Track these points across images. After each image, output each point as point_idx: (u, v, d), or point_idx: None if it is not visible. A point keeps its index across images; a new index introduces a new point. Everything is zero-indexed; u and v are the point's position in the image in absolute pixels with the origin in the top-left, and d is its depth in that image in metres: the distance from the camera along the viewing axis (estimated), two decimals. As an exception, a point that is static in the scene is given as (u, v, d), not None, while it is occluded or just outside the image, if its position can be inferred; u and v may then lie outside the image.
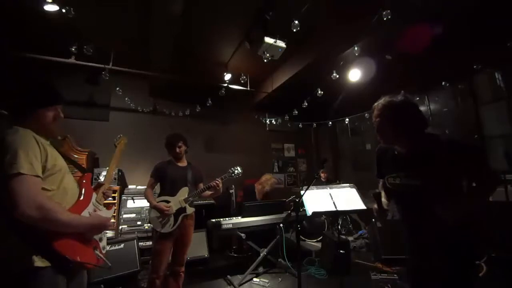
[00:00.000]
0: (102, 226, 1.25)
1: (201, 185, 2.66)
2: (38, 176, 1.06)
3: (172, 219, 2.38)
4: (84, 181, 1.33)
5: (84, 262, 1.11)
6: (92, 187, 1.40)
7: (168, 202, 2.42)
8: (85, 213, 1.23)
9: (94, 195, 1.35)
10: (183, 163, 2.65)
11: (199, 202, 4.35)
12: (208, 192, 2.57)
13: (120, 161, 1.77)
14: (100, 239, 1.31)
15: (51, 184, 1.13)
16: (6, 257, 1.01)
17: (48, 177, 1.12)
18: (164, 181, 2.52)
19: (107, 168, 1.62)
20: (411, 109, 1.37)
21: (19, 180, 1.00)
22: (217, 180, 2.50)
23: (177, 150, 2.58)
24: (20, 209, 0.97)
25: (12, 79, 3.85)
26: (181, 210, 2.44)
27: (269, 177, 4.50)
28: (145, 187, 2.57)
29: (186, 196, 2.48)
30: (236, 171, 2.63)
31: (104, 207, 1.41)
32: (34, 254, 1.00)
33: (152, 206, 2.38)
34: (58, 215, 1.06)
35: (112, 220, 3.85)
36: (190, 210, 2.50)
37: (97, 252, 1.23)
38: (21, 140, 1.06)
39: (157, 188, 2.61)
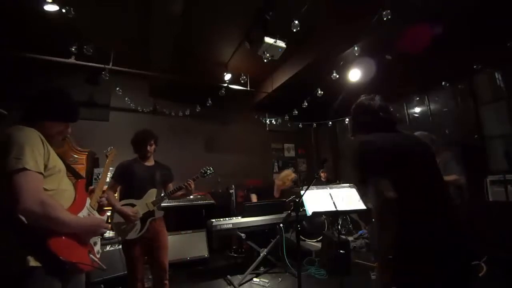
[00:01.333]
0: (98, 228, 1.25)
1: (171, 186, 2.45)
2: (41, 174, 1.07)
3: (138, 224, 2.17)
4: (78, 186, 1.33)
5: (79, 263, 1.11)
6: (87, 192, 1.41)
7: (133, 205, 2.19)
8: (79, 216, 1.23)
9: (88, 200, 1.36)
10: (150, 162, 2.41)
11: (199, 202, 4.36)
12: (178, 193, 2.37)
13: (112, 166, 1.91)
14: (95, 243, 1.32)
15: (50, 184, 1.13)
16: (1, 258, 1.01)
17: (48, 177, 1.13)
18: (129, 182, 2.27)
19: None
20: (359, 110, 1.40)
21: (24, 175, 1.00)
22: (189, 181, 2.33)
23: (148, 148, 2.34)
24: (23, 204, 0.97)
25: (12, 79, 3.87)
26: (149, 214, 2.22)
27: (289, 172, 4.37)
28: None
29: (154, 198, 2.27)
30: (208, 171, 2.55)
31: (98, 213, 1.42)
32: (29, 254, 0.99)
33: (116, 211, 2.14)
34: (59, 213, 1.06)
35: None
36: (159, 213, 2.29)
37: (91, 255, 1.23)
38: (27, 137, 1.08)
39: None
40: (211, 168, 2.57)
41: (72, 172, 1.43)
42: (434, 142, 2.54)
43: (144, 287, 2.26)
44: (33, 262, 0.99)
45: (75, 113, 1.31)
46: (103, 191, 1.58)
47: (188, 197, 2.73)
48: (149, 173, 2.33)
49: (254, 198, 4.36)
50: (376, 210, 1.18)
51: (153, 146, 2.40)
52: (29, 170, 1.02)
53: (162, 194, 2.35)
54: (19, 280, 0.98)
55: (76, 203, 1.24)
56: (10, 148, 1.02)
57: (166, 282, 2.24)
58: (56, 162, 1.19)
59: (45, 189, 1.10)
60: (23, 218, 0.99)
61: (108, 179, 4.10)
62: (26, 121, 1.17)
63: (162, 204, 2.37)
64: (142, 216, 2.19)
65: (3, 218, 1.01)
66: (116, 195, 3.76)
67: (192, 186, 2.35)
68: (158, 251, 2.24)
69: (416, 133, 2.52)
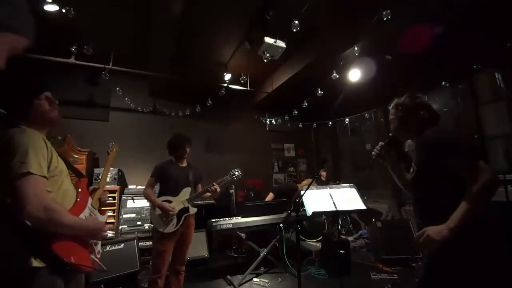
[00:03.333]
0: (99, 230, 1.25)
1: (200, 186, 2.71)
2: (44, 177, 1.07)
3: (175, 219, 2.40)
4: (80, 185, 1.33)
5: (80, 264, 1.12)
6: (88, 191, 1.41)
7: (170, 202, 2.42)
8: (81, 217, 1.23)
9: (90, 199, 1.36)
10: (184, 164, 2.67)
11: (199, 202, 4.36)
12: (208, 194, 2.61)
13: (113, 165, 1.86)
14: (96, 243, 1.32)
15: (52, 186, 1.13)
16: (4, 258, 1.01)
17: (51, 178, 1.13)
18: (166, 181, 2.51)
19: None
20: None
21: (28, 179, 1.00)
22: (215, 185, 2.54)
23: (186, 151, 2.62)
24: (27, 209, 0.97)
25: (11, 79, 3.86)
26: (184, 210, 2.46)
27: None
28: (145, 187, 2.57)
29: (189, 196, 2.51)
30: (236, 173, 2.69)
31: (99, 212, 1.42)
32: (32, 255, 1.00)
33: (157, 205, 2.37)
34: (62, 217, 1.06)
35: (112, 220, 3.85)
36: (193, 210, 2.53)
37: (92, 256, 1.24)
38: (30, 139, 1.07)
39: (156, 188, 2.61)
40: (239, 170, 2.71)
41: (74, 171, 1.43)
42: None
43: (163, 285, 2.35)
44: (36, 263, 0.99)
45: (39, 82, 1.27)
46: (104, 190, 1.58)
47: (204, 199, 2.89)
48: (184, 173, 2.59)
49: (270, 196, 4.38)
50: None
51: (189, 149, 2.66)
52: (34, 174, 1.01)
53: (195, 193, 2.57)
54: (22, 279, 0.99)
55: (78, 203, 1.24)
56: (14, 151, 1.01)
57: (183, 272, 2.53)
58: (58, 163, 1.19)
59: (48, 191, 1.09)
60: (28, 222, 0.99)
61: (108, 179, 4.10)
62: (18, 119, 1.15)
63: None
64: (178, 212, 2.41)
65: (7, 219, 1.01)
66: (113, 195, 3.78)
67: (218, 190, 2.56)
68: (185, 246, 2.51)
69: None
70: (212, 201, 4.49)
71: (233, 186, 5.17)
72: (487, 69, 3.81)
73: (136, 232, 3.78)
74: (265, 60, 3.48)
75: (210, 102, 4.71)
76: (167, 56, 3.93)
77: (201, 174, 2.77)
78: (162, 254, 2.33)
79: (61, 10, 2.59)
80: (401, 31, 3.39)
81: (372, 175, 5.63)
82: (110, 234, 3.64)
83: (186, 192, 2.51)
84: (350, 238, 4.72)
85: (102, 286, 2.75)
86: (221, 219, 3.24)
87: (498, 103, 3.79)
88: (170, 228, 2.36)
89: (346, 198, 2.51)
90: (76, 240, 1.14)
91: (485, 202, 1.16)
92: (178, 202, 2.44)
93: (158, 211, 2.38)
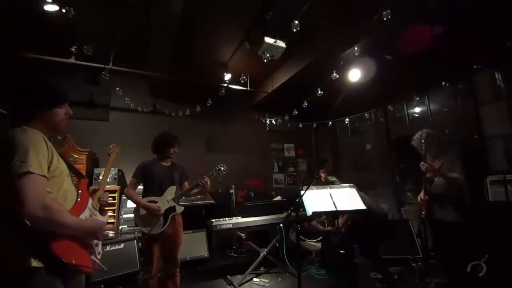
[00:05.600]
0: (100, 230, 1.25)
1: (186, 184, 2.61)
2: (45, 177, 1.06)
3: (161, 219, 2.32)
4: (81, 186, 1.33)
5: (80, 265, 1.11)
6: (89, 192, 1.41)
7: (155, 202, 2.33)
8: (81, 218, 1.23)
9: (90, 200, 1.36)
10: (168, 162, 2.58)
11: (199, 202, 4.36)
12: (195, 190, 2.50)
13: (113, 165, 1.88)
14: (96, 244, 1.31)
15: (53, 186, 1.13)
16: (3, 258, 1.01)
17: (51, 178, 1.12)
18: (150, 181, 2.42)
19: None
20: None
21: (28, 179, 0.99)
22: (205, 178, 2.43)
23: (172, 150, 2.52)
24: (27, 208, 0.96)
25: (12, 79, 3.86)
26: (170, 209, 2.38)
27: None
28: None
29: (174, 195, 2.42)
30: (222, 168, 2.59)
31: (99, 213, 1.42)
32: (32, 255, 0.99)
33: (142, 206, 2.29)
34: (62, 217, 1.06)
35: (112, 220, 3.86)
36: (179, 209, 2.44)
37: (93, 257, 1.24)
38: (31, 139, 1.07)
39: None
40: (225, 166, 2.61)
41: (74, 172, 1.43)
42: (439, 141, 2.61)
43: (155, 284, 2.31)
44: (35, 263, 0.99)
45: (66, 92, 1.33)
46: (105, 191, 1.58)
47: (190, 197, 2.86)
48: (168, 172, 2.50)
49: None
50: None
51: (176, 149, 2.56)
52: (34, 173, 1.01)
53: (181, 191, 2.48)
54: (22, 280, 0.98)
55: (78, 204, 1.24)
56: (14, 150, 1.01)
57: (178, 273, 2.44)
58: (59, 164, 1.18)
59: (48, 191, 1.09)
60: (27, 222, 0.98)
61: (109, 179, 4.10)
62: (25, 119, 1.15)
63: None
64: (164, 212, 2.33)
65: (7, 219, 1.01)
66: (113, 195, 3.77)
67: (209, 183, 2.45)
68: (175, 247, 2.42)
69: (424, 131, 2.66)
70: (212, 201, 4.49)
71: (233, 186, 5.17)
72: (487, 69, 3.81)
73: (136, 232, 3.77)
74: (265, 60, 3.48)
75: (210, 102, 4.71)
76: (167, 56, 3.93)
77: (187, 172, 2.67)
78: (150, 256, 2.27)
79: (61, 10, 2.59)
80: (401, 31, 3.39)
81: (372, 175, 5.62)
82: (110, 234, 3.64)
83: (171, 191, 2.42)
84: (350, 238, 4.71)
85: (102, 286, 2.75)
86: (221, 219, 3.24)
87: (498, 103, 3.79)
88: (156, 230, 2.28)
89: (346, 198, 2.52)
90: (76, 240, 1.14)
91: None
92: (163, 201, 2.35)
93: (143, 212, 2.30)
